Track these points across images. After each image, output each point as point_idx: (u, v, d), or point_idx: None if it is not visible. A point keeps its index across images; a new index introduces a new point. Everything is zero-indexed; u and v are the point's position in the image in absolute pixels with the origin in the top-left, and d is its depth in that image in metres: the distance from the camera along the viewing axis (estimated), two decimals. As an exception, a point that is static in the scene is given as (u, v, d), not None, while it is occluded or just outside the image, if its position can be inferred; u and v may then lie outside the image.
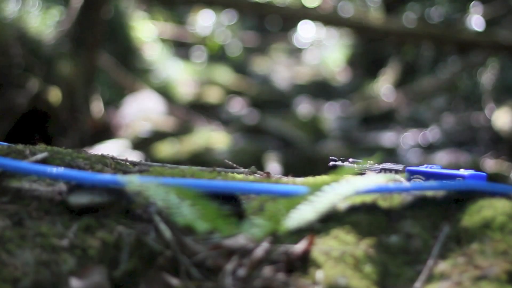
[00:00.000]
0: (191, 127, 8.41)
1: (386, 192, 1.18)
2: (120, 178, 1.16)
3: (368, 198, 1.17)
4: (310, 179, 1.34)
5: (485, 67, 10.63)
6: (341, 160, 1.47)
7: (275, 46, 15.53)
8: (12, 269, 0.96)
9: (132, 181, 1.12)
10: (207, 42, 13.75)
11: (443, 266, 1.01)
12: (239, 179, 1.32)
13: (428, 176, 1.38)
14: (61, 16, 7.72)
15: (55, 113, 6.47)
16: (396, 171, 1.41)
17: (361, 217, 1.11)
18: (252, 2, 9.18)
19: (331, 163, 1.46)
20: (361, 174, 1.35)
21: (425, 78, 11.08)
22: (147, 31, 11.36)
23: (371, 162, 1.43)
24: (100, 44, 7.68)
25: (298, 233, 1.07)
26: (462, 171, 1.36)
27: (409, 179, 1.39)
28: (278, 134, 8.09)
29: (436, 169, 1.39)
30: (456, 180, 1.24)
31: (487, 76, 10.65)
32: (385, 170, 1.42)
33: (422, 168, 1.41)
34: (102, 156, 1.40)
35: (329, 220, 1.11)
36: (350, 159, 1.45)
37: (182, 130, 8.01)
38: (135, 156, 6.37)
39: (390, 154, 8.09)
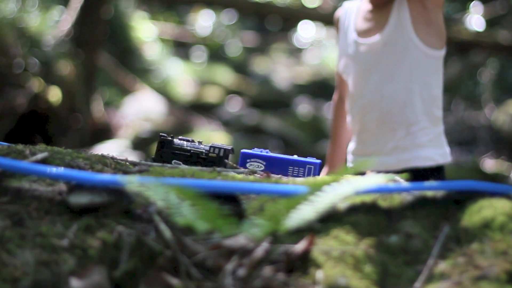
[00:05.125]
0: (191, 127, 8.41)
1: (386, 192, 1.18)
2: (120, 178, 1.16)
3: (368, 198, 1.17)
4: (310, 179, 1.34)
5: (485, 67, 10.64)
6: (171, 137, 1.52)
7: (275, 46, 15.52)
8: (12, 269, 0.96)
9: (132, 181, 1.12)
10: (207, 42, 13.76)
11: (443, 266, 1.01)
12: (239, 179, 1.32)
13: (267, 160, 1.45)
14: (61, 16, 7.72)
15: (55, 113, 6.47)
16: (226, 150, 1.46)
17: (361, 217, 1.11)
18: (252, 2, 9.18)
19: (161, 138, 1.51)
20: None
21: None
22: (147, 31, 11.36)
23: (199, 140, 1.50)
24: (100, 44, 7.68)
25: (298, 233, 1.07)
26: (295, 157, 1.46)
27: (243, 163, 1.45)
28: (278, 134, 8.09)
29: (271, 154, 1.49)
30: (459, 181, 1.24)
31: (487, 76, 10.66)
32: (213, 148, 1.47)
33: (257, 151, 1.48)
34: (102, 156, 1.40)
35: (329, 220, 1.11)
36: (180, 137, 1.51)
37: (182, 130, 8.02)
38: (135, 156, 6.37)
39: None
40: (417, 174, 2.09)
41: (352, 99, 2.28)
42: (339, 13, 2.38)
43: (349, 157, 2.34)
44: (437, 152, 2.19)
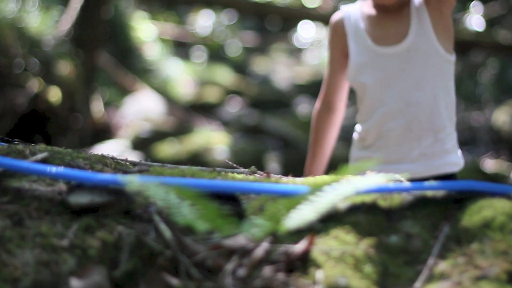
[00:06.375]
0: (191, 127, 8.41)
1: (386, 192, 1.18)
2: (120, 178, 1.16)
3: (368, 198, 1.17)
4: (310, 179, 1.34)
5: (485, 67, 10.64)
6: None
7: (275, 46, 15.52)
8: (12, 269, 0.96)
9: (132, 181, 1.12)
10: (207, 42, 13.76)
11: (443, 266, 1.01)
12: (239, 179, 1.32)
13: None
14: (61, 16, 7.72)
15: (55, 113, 6.47)
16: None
17: (361, 217, 1.11)
18: (252, 2, 9.18)
19: None
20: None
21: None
22: (147, 31, 11.36)
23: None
24: (100, 44, 7.68)
25: (298, 233, 1.07)
26: None
27: None
28: (278, 134, 8.09)
29: None
30: (458, 181, 1.24)
31: (487, 76, 10.66)
32: None
33: None
34: (102, 156, 1.40)
35: (329, 220, 1.11)
36: None
37: (182, 130, 8.01)
38: (135, 156, 6.37)
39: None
40: (444, 180, 2.07)
41: (369, 107, 2.23)
42: (340, 17, 2.29)
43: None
44: (459, 156, 2.22)
